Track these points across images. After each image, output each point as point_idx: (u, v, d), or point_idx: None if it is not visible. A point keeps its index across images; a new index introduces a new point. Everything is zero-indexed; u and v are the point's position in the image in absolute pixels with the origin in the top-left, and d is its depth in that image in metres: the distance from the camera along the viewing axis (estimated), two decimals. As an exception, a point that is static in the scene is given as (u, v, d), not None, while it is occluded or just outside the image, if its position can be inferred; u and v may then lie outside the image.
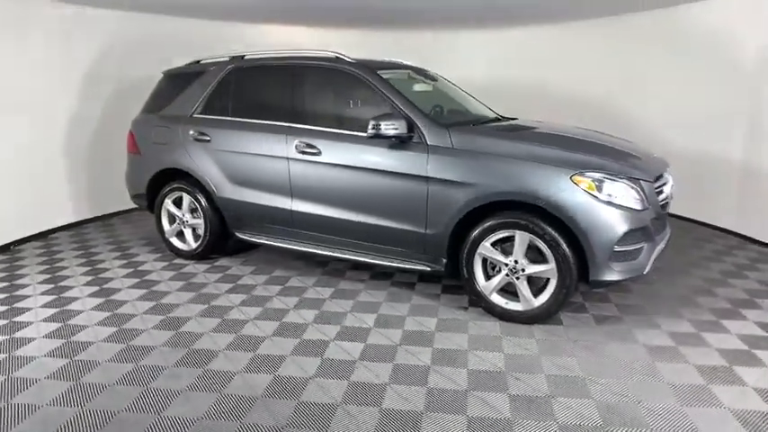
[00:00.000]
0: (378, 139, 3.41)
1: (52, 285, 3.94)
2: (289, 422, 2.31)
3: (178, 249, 4.56)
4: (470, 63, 7.19)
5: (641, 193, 3.06)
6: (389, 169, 3.45)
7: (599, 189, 2.98)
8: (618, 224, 2.97)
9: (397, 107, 3.48)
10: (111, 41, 5.71)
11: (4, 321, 3.33)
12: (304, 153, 3.75)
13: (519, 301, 3.24)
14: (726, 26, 5.05)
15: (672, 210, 3.91)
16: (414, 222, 3.44)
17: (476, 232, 3.24)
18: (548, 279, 3.14)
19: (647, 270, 3.14)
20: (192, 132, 4.27)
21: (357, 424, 2.30)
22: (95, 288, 3.88)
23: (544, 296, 3.16)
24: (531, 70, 6.96)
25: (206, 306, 3.55)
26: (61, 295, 3.75)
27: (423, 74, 4.45)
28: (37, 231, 5.21)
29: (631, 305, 3.55)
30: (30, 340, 3.08)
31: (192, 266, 4.34)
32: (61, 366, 2.79)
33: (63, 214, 5.56)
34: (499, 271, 3.28)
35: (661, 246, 3.31)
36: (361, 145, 3.55)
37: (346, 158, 3.61)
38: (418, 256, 3.55)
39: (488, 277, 3.33)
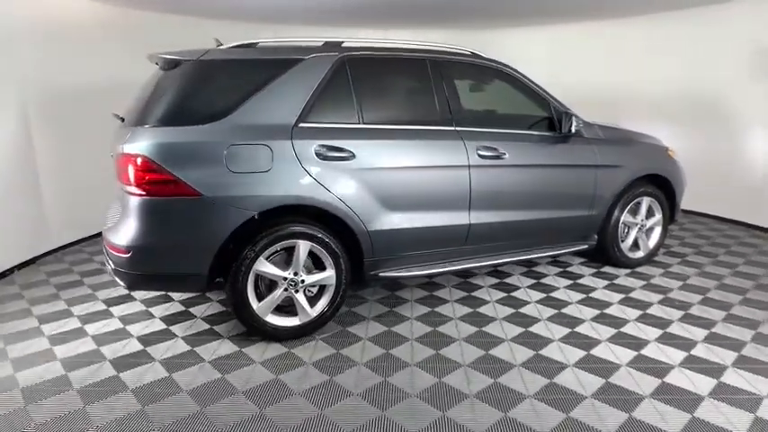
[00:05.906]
0: (556, 135, 3.66)
1: None
2: None
3: (284, 329, 3.00)
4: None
5: None
6: (571, 162, 3.72)
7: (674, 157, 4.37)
8: (685, 178, 4.43)
9: (558, 107, 3.72)
10: None
11: None
12: (485, 158, 3.39)
13: (638, 251, 4.28)
14: None
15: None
16: (584, 207, 3.84)
17: (621, 204, 4.01)
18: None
19: None
20: (315, 148, 2.92)
21: None
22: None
23: (653, 241, 4.30)
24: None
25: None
26: None
27: None
28: None
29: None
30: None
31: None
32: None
33: None
34: (627, 234, 4.19)
35: None
36: (540, 143, 3.64)
37: (532, 158, 3.57)
38: (573, 237, 3.96)
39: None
